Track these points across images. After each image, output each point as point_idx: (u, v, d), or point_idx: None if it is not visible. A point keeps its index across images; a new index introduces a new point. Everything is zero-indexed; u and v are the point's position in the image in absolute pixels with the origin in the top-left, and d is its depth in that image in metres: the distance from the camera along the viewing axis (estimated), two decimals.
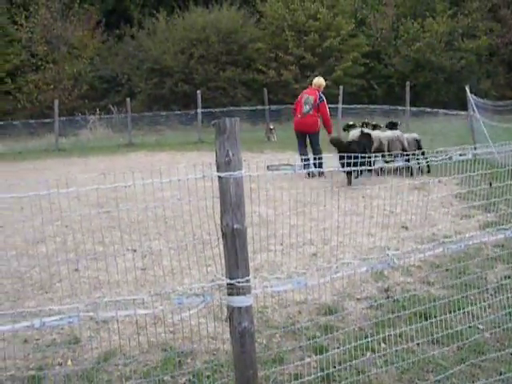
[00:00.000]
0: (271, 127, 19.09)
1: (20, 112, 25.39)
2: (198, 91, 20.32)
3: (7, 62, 26.91)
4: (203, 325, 4.07)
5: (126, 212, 6.53)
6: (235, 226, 2.51)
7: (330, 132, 12.08)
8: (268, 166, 2.65)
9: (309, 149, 11.57)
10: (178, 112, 21.83)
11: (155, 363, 3.70)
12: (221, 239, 4.84)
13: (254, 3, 29.20)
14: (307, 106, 11.63)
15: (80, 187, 2.82)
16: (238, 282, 2.49)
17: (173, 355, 3.75)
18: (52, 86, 26.42)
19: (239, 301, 2.51)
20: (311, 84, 12.28)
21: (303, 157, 10.59)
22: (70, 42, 27.55)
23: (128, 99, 20.88)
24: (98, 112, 22.57)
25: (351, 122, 12.82)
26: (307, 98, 11.73)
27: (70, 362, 3.80)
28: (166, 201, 6.78)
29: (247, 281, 2.50)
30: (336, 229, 6.33)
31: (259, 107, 20.71)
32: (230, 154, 2.40)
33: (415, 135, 11.94)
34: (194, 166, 2.72)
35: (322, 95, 11.78)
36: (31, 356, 3.88)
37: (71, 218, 6.93)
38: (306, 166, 9.37)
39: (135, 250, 5.85)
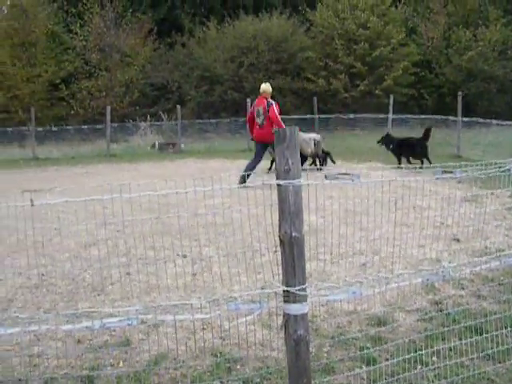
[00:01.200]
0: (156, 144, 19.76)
1: (73, 118, 26.05)
2: (248, 99, 20.42)
3: (62, 69, 27.71)
4: (253, 332, 4.08)
5: (177, 218, 6.61)
6: (293, 234, 2.52)
7: None
8: (326, 176, 2.66)
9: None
10: (228, 120, 22.01)
11: (205, 368, 3.73)
12: (270, 247, 4.85)
13: (303, 12, 29.24)
14: (260, 118, 11.42)
15: (132, 193, 2.88)
16: (295, 290, 2.50)
17: (223, 361, 3.77)
18: (104, 93, 27.02)
19: (295, 308, 2.52)
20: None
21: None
22: (122, 49, 28.12)
23: (178, 106, 21.17)
24: (148, 119, 22.96)
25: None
26: (258, 110, 11.52)
27: (121, 364, 3.87)
28: (215, 208, 6.86)
29: (304, 289, 2.51)
30: (386, 239, 6.27)
31: (308, 116, 20.69)
32: (290, 162, 2.42)
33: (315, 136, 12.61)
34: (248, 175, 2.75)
35: (270, 101, 11.46)
36: (84, 356, 3.96)
37: (123, 222, 7.08)
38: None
39: (186, 256, 5.92)
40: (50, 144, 20.61)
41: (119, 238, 6.30)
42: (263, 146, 11.58)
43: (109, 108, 20.54)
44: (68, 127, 22.09)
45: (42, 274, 5.51)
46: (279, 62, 27.44)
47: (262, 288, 4.74)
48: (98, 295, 5.12)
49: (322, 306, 4.55)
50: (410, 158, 13.35)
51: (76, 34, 27.71)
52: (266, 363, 3.78)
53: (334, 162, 14.03)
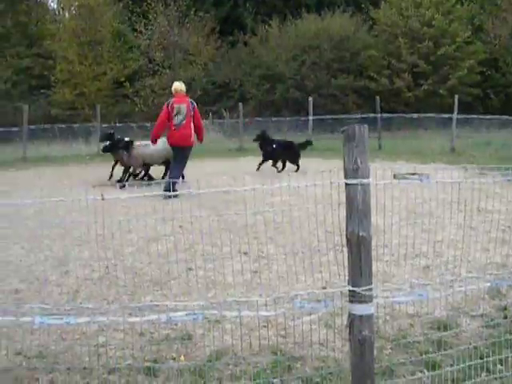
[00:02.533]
0: None
1: (137, 115, 26.57)
2: (310, 98, 20.37)
3: (126, 67, 28.31)
4: (314, 331, 4.06)
5: (237, 215, 6.66)
6: (361, 234, 2.50)
7: (201, 140, 11.12)
8: (395, 175, 2.61)
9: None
10: (289, 118, 21.98)
11: (265, 366, 3.74)
12: (331, 246, 4.81)
13: (366, 10, 28.90)
14: (179, 117, 10.40)
15: (193, 189, 2.91)
16: (361, 290, 2.47)
17: (283, 359, 3.77)
18: (167, 91, 27.40)
19: (361, 309, 2.49)
20: (175, 92, 10.81)
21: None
22: (185, 48, 28.50)
23: (240, 104, 21.28)
24: (210, 116, 23.18)
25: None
26: (178, 107, 10.41)
27: (182, 358, 3.92)
28: (276, 206, 6.86)
29: (370, 289, 2.48)
30: (450, 242, 6.13)
31: (371, 115, 20.44)
32: (359, 161, 2.40)
33: None
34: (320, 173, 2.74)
35: (192, 101, 10.74)
36: (147, 348, 4.04)
37: (185, 218, 7.17)
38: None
39: (246, 253, 5.94)
40: None
41: (181, 234, 6.37)
42: (180, 149, 10.60)
43: None
44: (132, 124, 22.54)
45: (107, 267, 5.64)
46: (341, 61, 27.23)
47: (323, 288, 4.72)
48: (161, 289, 5.21)
49: (384, 307, 4.49)
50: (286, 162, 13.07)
51: (140, 32, 28.26)
52: (327, 363, 3.75)
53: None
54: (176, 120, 10.38)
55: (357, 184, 2.43)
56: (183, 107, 10.45)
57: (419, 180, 2.64)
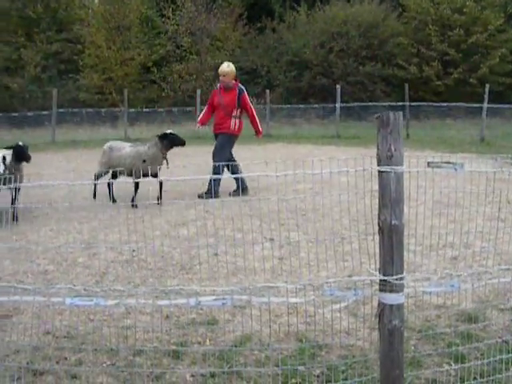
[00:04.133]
0: None
1: (164, 100, 26.66)
2: (338, 85, 20.21)
3: (154, 52, 28.36)
4: (339, 319, 4.05)
5: (264, 202, 6.65)
6: (393, 222, 2.47)
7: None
8: (428, 163, 2.58)
9: None
10: (316, 105, 21.85)
11: (290, 352, 3.74)
12: (358, 234, 4.78)
13: None
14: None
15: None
16: (392, 279, 2.45)
17: (308, 346, 3.77)
18: (194, 76, 27.47)
19: (392, 298, 2.47)
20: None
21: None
22: (212, 34, 28.44)
23: (267, 91, 21.21)
24: None
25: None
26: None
27: (208, 342, 3.94)
28: (300, 193, 6.84)
29: (401, 278, 2.45)
30: (478, 233, 6.05)
31: (399, 103, 20.21)
32: (393, 148, 2.36)
33: None
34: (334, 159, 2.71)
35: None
36: (172, 332, 4.07)
37: (211, 203, 7.20)
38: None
39: (273, 240, 5.94)
40: (141, 125, 21.21)
41: (207, 219, 6.39)
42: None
43: (199, 91, 20.87)
44: (159, 109, 22.65)
45: (133, 250, 5.69)
46: (370, 48, 26.91)
47: (349, 276, 4.70)
48: (187, 273, 5.24)
49: (411, 297, 4.45)
50: None
51: (168, 18, 28.27)
52: (352, 352, 3.74)
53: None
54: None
55: (390, 171, 2.40)
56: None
57: (454, 169, 2.58)
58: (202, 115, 9.95)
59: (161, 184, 7.96)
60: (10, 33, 28.52)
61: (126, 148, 8.53)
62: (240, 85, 9.51)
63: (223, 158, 8.78)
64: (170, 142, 8.43)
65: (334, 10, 27.88)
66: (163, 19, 28.68)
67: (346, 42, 26.75)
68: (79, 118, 21.53)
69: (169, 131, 8.61)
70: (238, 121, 9.44)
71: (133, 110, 21.46)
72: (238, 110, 9.37)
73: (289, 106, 22.10)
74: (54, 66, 28.47)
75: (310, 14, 28.62)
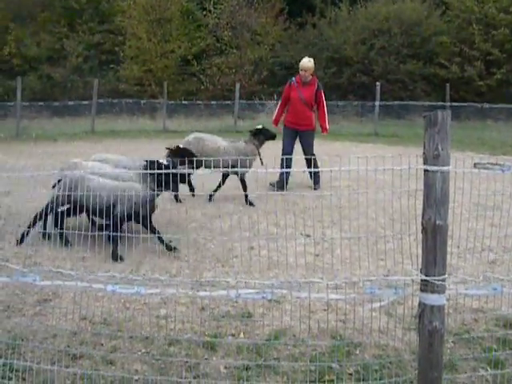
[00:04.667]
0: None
1: (203, 93, 26.75)
2: (377, 83, 20.01)
3: (194, 45, 28.47)
4: (374, 319, 4.03)
5: (301, 197, 6.65)
6: (438, 222, 2.44)
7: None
8: (475, 164, 2.54)
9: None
10: (355, 103, 21.67)
11: (324, 349, 3.73)
12: (395, 234, 4.74)
13: None
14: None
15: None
16: (434, 280, 2.42)
17: (342, 344, 3.76)
18: (234, 70, 27.49)
19: (433, 299, 2.44)
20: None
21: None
22: (253, 28, 28.38)
23: None
24: (275, 97, 23.12)
25: None
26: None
27: (242, 335, 3.96)
28: (340, 190, 6.81)
29: (443, 279, 2.42)
30: None
31: (439, 103, 19.90)
32: (440, 147, 2.33)
33: None
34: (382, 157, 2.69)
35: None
36: (207, 323, 4.10)
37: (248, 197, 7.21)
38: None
39: (309, 236, 5.93)
40: (180, 117, 21.32)
41: (244, 213, 6.41)
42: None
43: (238, 85, 20.92)
44: (198, 102, 22.75)
45: (170, 241, 5.74)
46: (411, 46, 26.52)
47: (386, 275, 4.66)
48: (222, 266, 5.27)
49: (448, 300, 4.39)
50: None
51: (209, 11, 28.31)
52: (386, 352, 3.72)
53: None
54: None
55: (437, 171, 2.37)
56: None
57: (501, 170, 2.54)
58: (276, 114, 9.90)
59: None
60: (53, 23, 29.01)
61: (221, 142, 8.27)
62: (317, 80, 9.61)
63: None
64: (264, 136, 8.34)
65: (376, 6, 27.55)
66: (204, 12, 28.74)
67: (387, 40, 26.42)
68: (118, 108, 21.76)
69: (260, 126, 8.51)
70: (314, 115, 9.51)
71: (172, 102, 21.59)
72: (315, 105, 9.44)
73: (328, 102, 21.92)
74: (95, 56, 28.83)
75: (351, 10, 28.34)
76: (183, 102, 22.04)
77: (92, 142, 16.07)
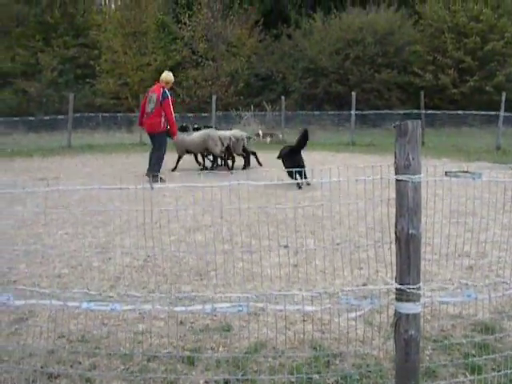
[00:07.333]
0: (260, 133, 19.54)
1: (179, 106, 26.75)
2: (353, 92, 20.18)
3: (170, 58, 28.53)
4: (353, 328, 4.03)
5: (277, 208, 6.65)
6: (411, 231, 2.45)
7: (174, 133, 11.35)
8: (446, 172, 2.56)
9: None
10: (331, 112, 21.83)
11: (304, 360, 3.72)
12: (372, 242, 4.76)
13: (412, 4, 28.45)
14: (150, 106, 11.02)
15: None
16: (409, 289, 2.43)
17: (322, 354, 3.75)
18: (210, 82, 27.57)
19: (408, 307, 2.45)
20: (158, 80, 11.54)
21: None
22: (228, 40, 28.54)
23: (283, 97, 21.26)
24: (251, 109, 23.20)
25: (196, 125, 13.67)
26: (151, 96, 11.12)
27: (221, 348, 3.93)
28: (316, 201, 6.83)
29: (418, 288, 2.43)
30: (494, 243, 6.00)
31: (414, 111, 20.11)
32: (410, 157, 2.35)
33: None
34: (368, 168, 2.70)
35: (166, 92, 11.04)
36: (186, 338, 4.06)
37: (226, 210, 7.19)
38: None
39: (287, 247, 5.93)
40: None
41: (222, 225, 6.40)
42: (151, 137, 11.35)
43: (214, 97, 20.94)
44: (174, 115, 22.73)
45: (148, 256, 5.70)
46: (385, 56, 26.87)
47: (364, 284, 4.67)
48: (201, 279, 5.24)
49: (426, 307, 4.42)
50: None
51: (184, 24, 28.39)
52: (366, 361, 3.71)
53: (260, 164, 12.96)
54: (147, 108, 11.09)
55: (408, 180, 2.39)
56: (154, 96, 11.03)
57: (472, 178, 2.57)
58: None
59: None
60: (28, 37, 28.90)
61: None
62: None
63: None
64: None
65: (349, 17, 27.88)
66: (179, 25, 28.83)
67: (361, 49, 26.72)
68: (95, 122, 21.68)
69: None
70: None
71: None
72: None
73: (304, 112, 22.08)
74: (70, 70, 28.74)
75: (325, 20, 28.65)
76: None
77: (69, 156, 15.95)
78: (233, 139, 12.27)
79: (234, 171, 11.83)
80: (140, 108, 11.72)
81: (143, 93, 23.73)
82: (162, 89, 11.11)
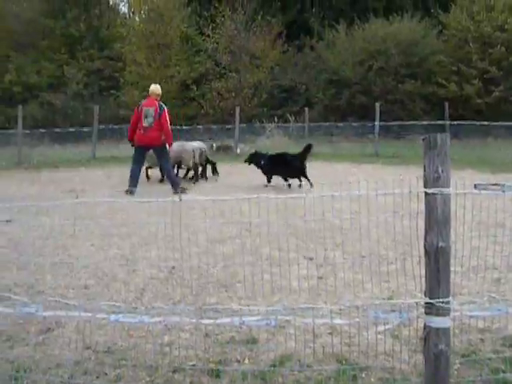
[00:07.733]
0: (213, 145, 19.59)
1: (203, 117, 26.94)
2: (377, 103, 20.10)
3: (194, 70, 28.75)
4: (380, 341, 3.99)
5: (303, 221, 6.62)
6: (440, 245, 2.43)
7: (170, 144, 11.46)
8: (475, 185, 2.54)
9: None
10: (355, 124, 21.77)
11: (329, 373, 3.69)
12: (398, 255, 4.72)
13: (436, 14, 28.29)
14: (149, 119, 11.17)
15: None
16: (439, 302, 2.40)
17: (348, 368, 3.72)
18: (233, 94, 27.68)
19: (438, 322, 2.43)
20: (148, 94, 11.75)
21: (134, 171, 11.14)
22: (251, 52, 28.65)
23: (306, 109, 21.26)
24: (275, 120, 23.23)
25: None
26: (147, 110, 11.24)
27: (247, 361, 3.92)
28: (342, 212, 6.79)
29: (448, 302, 2.41)
30: None
31: (439, 122, 19.97)
32: (440, 170, 2.34)
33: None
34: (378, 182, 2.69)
35: (162, 105, 11.28)
36: (211, 350, 4.06)
37: (251, 222, 7.18)
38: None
39: (312, 259, 5.91)
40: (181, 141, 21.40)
41: (247, 237, 6.40)
42: (144, 150, 11.53)
43: (238, 109, 21.01)
44: (198, 126, 22.86)
45: (173, 267, 5.72)
46: (409, 66, 26.73)
47: (390, 297, 4.64)
48: (226, 291, 5.24)
49: (453, 320, 4.36)
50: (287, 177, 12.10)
51: (208, 36, 28.60)
52: (393, 375, 3.67)
53: (217, 173, 13.47)
54: (146, 122, 11.19)
55: (437, 193, 2.37)
56: (151, 110, 11.21)
57: (502, 191, 2.54)
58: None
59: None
60: (54, 50, 29.37)
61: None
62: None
63: None
64: None
65: (373, 27, 27.80)
66: (203, 37, 29.05)
67: (385, 60, 26.63)
68: (119, 134, 21.87)
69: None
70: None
71: (172, 127, 21.65)
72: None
73: (327, 123, 22.05)
74: (95, 82, 29.12)
75: (348, 32, 28.61)
76: (184, 126, 22.11)
77: (93, 168, 16.11)
78: (202, 150, 12.89)
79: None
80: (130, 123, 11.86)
81: (167, 104, 23.96)
82: (156, 102, 11.38)
